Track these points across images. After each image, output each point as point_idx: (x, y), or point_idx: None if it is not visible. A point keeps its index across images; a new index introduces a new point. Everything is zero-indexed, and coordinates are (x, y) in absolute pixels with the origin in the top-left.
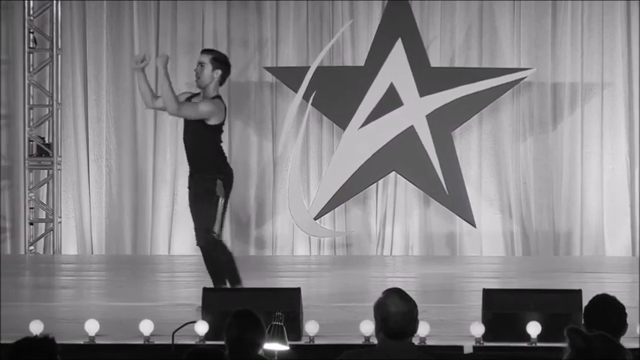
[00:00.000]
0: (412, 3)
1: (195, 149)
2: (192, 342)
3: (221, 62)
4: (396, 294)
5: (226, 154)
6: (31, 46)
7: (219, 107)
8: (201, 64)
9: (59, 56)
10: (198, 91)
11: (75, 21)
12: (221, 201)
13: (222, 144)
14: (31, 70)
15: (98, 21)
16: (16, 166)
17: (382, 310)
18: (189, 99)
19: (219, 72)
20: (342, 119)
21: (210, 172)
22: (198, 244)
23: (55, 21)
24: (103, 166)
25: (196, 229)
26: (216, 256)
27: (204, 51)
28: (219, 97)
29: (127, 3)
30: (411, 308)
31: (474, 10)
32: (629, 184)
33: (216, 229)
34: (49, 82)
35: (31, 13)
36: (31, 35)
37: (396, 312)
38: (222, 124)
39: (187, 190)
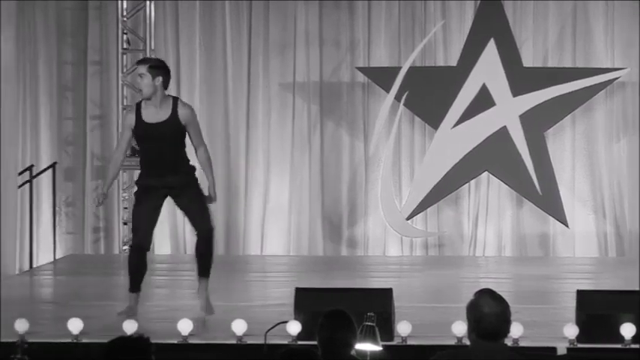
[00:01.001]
0: (504, 4)
1: (178, 153)
2: (285, 342)
3: (159, 68)
4: (488, 295)
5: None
6: (125, 47)
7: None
8: (140, 75)
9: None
10: (140, 99)
11: (168, 22)
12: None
13: None
14: (125, 71)
15: (191, 21)
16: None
17: (475, 311)
18: (138, 106)
19: (159, 79)
20: (434, 119)
21: (191, 169)
22: (210, 228)
23: (148, 22)
24: (196, 166)
25: (207, 217)
26: (212, 246)
27: (140, 62)
28: (172, 97)
29: (219, 3)
30: (504, 309)
31: (567, 11)
32: None
33: (211, 221)
34: None
35: (125, 14)
36: (125, 36)
37: (490, 313)
38: None
39: (170, 191)
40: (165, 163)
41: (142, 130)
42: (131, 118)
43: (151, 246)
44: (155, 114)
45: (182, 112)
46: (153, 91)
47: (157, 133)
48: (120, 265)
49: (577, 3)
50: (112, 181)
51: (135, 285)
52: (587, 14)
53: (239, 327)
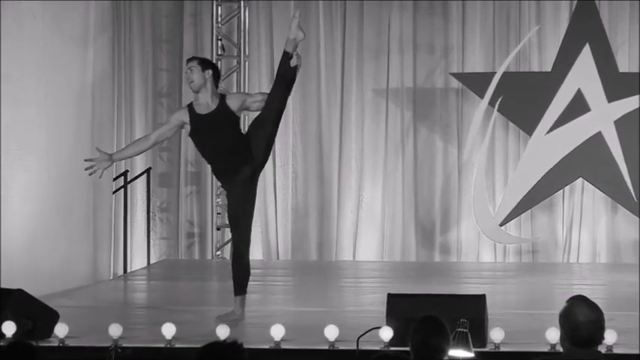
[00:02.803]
0: (600, 5)
1: (237, 142)
2: (377, 348)
3: (209, 63)
4: (583, 302)
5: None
6: (219, 53)
7: None
8: (190, 68)
9: (246, 63)
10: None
11: (262, 27)
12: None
13: None
14: (220, 77)
15: (285, 26)
16: (203, 172)
17: (570, 319)
18: (190, 107)
19: (209, 71)
20: (528, 125)
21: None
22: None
23: (242, 28)
24: (289, 171)
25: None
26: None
27: (189, 60)
28: (222, 93)
29: (313, 7)
30: (599, 316)
31: None
32: None
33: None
34: (237, 89)
35: (219, 20)
36: (219, 42)
37: (585, 321)
38: None
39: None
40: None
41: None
42: (182, 114)
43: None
44: (206, 107)
45: (230, 101)
46: (203, 82)
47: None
48: (213, 270)
49: None
50: (122, 158)
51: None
52: None
53: (331, 332)
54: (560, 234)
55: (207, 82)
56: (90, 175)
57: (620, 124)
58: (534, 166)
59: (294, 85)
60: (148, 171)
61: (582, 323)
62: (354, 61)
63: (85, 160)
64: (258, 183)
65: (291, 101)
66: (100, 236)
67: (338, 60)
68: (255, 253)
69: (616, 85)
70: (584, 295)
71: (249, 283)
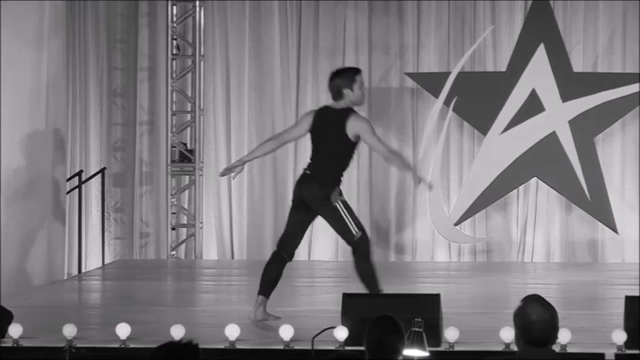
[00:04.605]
0: (554, 6)
1: (333, 161)
2: (332, 347)
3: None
4: (536, 302)
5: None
6: (174, 52)
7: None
8: (362, 84)
9: (201, 63)
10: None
11: (217, 27)
12: (340, 205)
13: None
14: (174, 76)
15: (240, 26)
16: (158, 172)
17: (523, 319)
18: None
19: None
20: (483, 125)
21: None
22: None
23: (197, 27)
24: (245, 171)
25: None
26: (365, 252)
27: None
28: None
29: (268, 8)
30: (553, 316)
31: (618, 15)
32: None
33: (353, 230)
34: (191, 88)
35: (174, 19)
36: (174, 42)
37: (538, 320)
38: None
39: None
40: None
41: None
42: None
43: (202, 252)
44: None
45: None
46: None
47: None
48: (167, 270)
49: (627, 5)
50: (253, 158)
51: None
52: (637, 18)
53: (286, 332)
54: (514, 233)
55: None
56: (221, 176)
57: (575, 123)
58: (489, 165)
59: (251, 87)
60: (102, 171)
61: (535, 322)
62: (310, 61)
63: (224, 170)
64: (213, 183)
65: (246, 101)
66: (55, 236)
67: (293, 60)
68: (211, 252)
69: (570, 85)
70: (539, 294)
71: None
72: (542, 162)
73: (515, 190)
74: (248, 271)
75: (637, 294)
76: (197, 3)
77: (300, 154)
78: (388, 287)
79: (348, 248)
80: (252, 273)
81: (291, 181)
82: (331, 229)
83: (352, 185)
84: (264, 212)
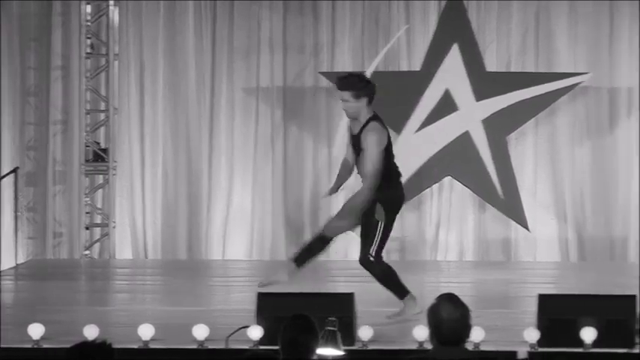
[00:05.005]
0: (468, 5)
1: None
2: (246, 347)
3: (361, 90)
4: (447, 300)
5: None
6: (88, 51)
7: (379, 130)
8: (343, 101)
9: (115, 62)
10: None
11: (131, 26)
12: (380, 225)
13: (393, 164)
14: (88, 75)
15: (154, 26)
16: (72, 171)
17: (434, 317)
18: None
19: (364, 99)
20: (397, 124)
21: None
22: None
23: (111, 26)
24: (159, 171)
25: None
26: (374, 274)
27: (340, 87)
28: (373, 117)
29: (183, 8)
30: (464, 314)
31: (531, 14)
32: None
33: (371, 251)
34: (105, 87)
35: (88, 18)
36: (88, 41)
37: (448, 319)
38: (389, 144)
39: None
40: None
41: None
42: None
43: (116, 251)
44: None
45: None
46: (359, 111)
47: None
48: (81, 270)
49: (540, 5)
50: (340, 182)
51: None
52: (550, 18)
53: (200, 332)
54: (428, 232)
55: (362, 110)
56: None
57: (488, 123)
58: (403, 164)
59: (166, 87)
60: (15, 170)
61: (446, 321)
62: (225, 60)
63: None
64: (127, 183)
65: (160, 100)
66: None
67: (208, 60)
68: (125, 252)
69: (484, 84)
70: (453, 293)
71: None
72: (455, 161)
73: (429, 188)
74: (162, 270)
75: (549, 292)
76: (111, 2)
77: (215, 153)
78: (303, 286)
79: (264, 247)
80: (167, 272)
81: (205, 181)
82: (246, 230)
83: (267, 184)
84: (178, 212)
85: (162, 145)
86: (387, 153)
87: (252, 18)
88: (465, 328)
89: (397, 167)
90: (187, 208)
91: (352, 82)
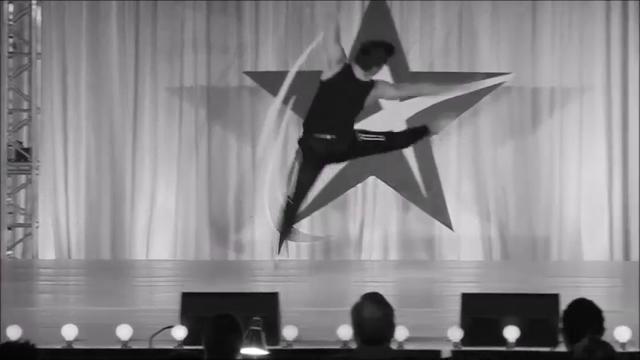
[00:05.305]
0: (391, 6)
1: None
2: (171, 347)
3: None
4: (370, 300)
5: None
6: (10, 50)
7: None
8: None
9: (38, 61)
10: None
11: (54, 26)
12: (295, 166)
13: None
14: (10, 74)
15: (77, 26)
16: None
17: (356, 316)
18: None
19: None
20: None
21: None
22: None
23: (33, 26)
24: (82, 170)
25: None
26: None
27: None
28: None
29: (106, 9)
30: (386, 313)
31: (454, 15)
32: (608, 188)
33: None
34: (28, 87)
35: (10, 17)
36: (10, 40)
37: (370, 318)
38: None
39: None
40: None
41: None
42: None
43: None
44: None
45: None
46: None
47: None
48: (4, 270)
49: (463, 5)
50: None
51: None
52: (473, 19)
53: (124, 332)
54: (352, 231)
55: None
56: None
57: (412, 122)
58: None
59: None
60: None
61: (368, 320)
62: (148, 61)
63: None
64: (50, 183)
65: (83, 101)
66: None
67: (131, 60)
68: (48, 252)
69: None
70: (377, 292)
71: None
72: (379, 160)
73: (353, 188)
74: (86, 270)
75: (473, 291)
76: (33, 2)
77: (138, 153)
78: (227, 286)
79: (188, 247)
80: (90, 273)
81: (129, 181)
82: (170, 230)
83: (191, 184)
84: (102, 212)
85: (86, 145)
86: None
87: (176, 18)
88: (388, 328)
89: None
90: (111, 208)
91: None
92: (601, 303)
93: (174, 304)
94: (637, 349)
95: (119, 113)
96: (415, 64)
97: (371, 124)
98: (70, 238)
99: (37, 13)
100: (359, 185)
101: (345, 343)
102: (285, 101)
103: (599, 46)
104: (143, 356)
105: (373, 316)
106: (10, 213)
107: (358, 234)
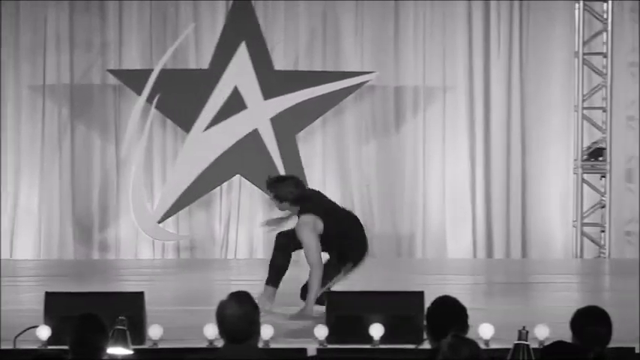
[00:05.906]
0: (256, 5)
1: None
2: (35, 347)
3: (285, 195)
4: (233, 298)
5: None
6: None
7: (310, 222)
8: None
9: None
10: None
11: None
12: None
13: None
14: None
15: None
16: None
17: (219, 314)
18: None
19: (285, 202)
20: (185, 122)
21: None
22: None
23: None
24: None
25: None
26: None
27: (268, 187)
28: (300, 201)
29: None
30: (248, 311)
31: (318, 14)
32: (470, 186)
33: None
34: None
35: None
36: None
37: (231, 315)
38: (327, 215)
39: None
40: None
41: None
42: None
43: None
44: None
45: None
46: (287, 207)
47: None
48: None
49: (327, 5)
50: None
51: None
52: (337, 18)
53: None
54: (217, 230)
55: (290, 205)
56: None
57: (276, 121)
58: (192, 163)
59: None
60: None
61: (229, 317)
62: (11, 59)
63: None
64: None
65: None
66: None
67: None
68: None
69: (272, 83)
70: (245, 291)
71: None
72: (244, 159)
73: (219, 187)
74: None
75: (336, 290)
76: None
77: (2, 153)
78: (92, 285)
79: (52, 246)
80: None
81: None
82: (33, 229)
83: (54, 183)
84: None
85: None
86: (330, 218)
87: (39, 17)
88: (249, 326)
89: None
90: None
91: (275, 186)
92: (465, 300)
93: (38, 304)
94: (500, 346)
95: None
96: (280, 63)
97: (235, 122)
98: None
99: None
100: (224, 184)
101: (210, 342)
102: (150, 99)
103: (462, 46)
104: (7, 356)
105: (234, 313)
106: None
107: (224, 233)
